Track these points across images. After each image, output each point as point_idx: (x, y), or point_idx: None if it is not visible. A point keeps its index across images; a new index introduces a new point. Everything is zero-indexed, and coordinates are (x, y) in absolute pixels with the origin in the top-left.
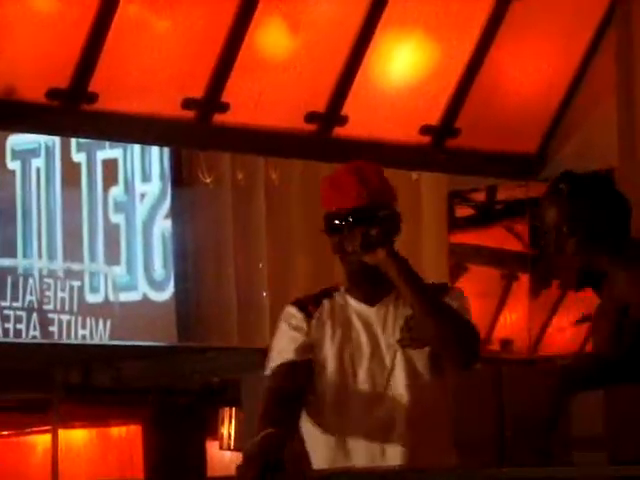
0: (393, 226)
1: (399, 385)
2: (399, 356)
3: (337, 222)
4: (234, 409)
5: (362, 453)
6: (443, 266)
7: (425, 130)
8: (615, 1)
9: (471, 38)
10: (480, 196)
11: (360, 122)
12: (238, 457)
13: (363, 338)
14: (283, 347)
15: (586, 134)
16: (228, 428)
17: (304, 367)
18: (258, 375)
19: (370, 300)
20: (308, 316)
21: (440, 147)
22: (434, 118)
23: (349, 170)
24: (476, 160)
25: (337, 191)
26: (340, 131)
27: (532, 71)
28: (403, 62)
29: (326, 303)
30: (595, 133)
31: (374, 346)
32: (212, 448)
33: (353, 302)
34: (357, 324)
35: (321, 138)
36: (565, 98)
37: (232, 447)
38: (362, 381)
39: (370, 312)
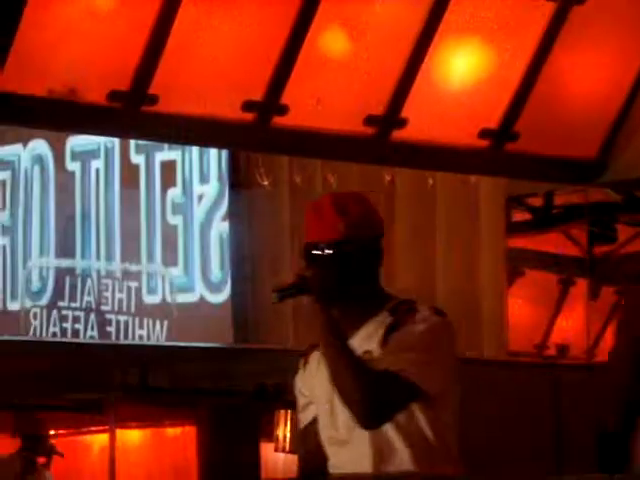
0: (345, 266)
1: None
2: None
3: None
4: (289, 411)
5: None
6: (501, 270)
7: (484, 134)
8: None
9: (531, 42)
10: (537, 201)
11: (419, 125)
12: (293, 459)
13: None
14: (297, 410)
15: None
16: (283, 430)
17: (312, 430)
18: None
19: (349, 331)
20: (304, 365)
21: (500, 151)
22: (493, 122)
23: (330, 201)
24: (535, 164)
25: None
26: (398, 134)
27: (592, 75)
28: (462, 65)
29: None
30: None
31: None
32: (267, 450)
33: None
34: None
35: (380, 141)
36: (626, 103)
37: (287, 449)
38: (338, 420)
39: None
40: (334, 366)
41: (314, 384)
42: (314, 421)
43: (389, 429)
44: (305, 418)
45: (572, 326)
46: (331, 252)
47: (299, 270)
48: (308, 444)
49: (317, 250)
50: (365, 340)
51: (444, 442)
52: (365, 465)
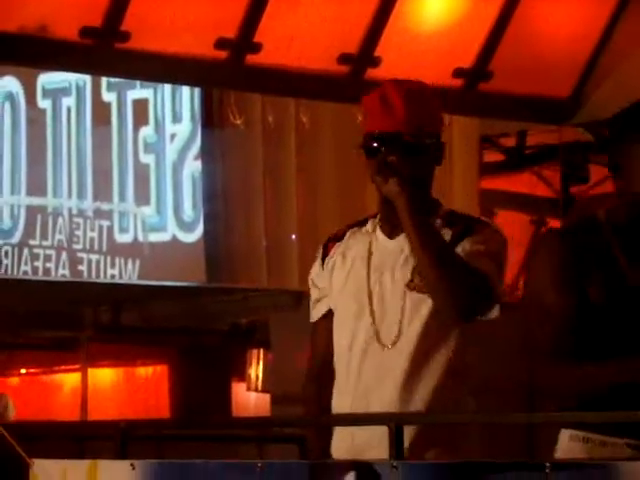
0: (424, 158)
1: (406, 329)
2: (406, 298)
3: (375, 145)
4: (262, 350)
5: (360, 393)
6: (474, 211)
7: (458, 73)
8: None
9: None
10: (510, 141)
11: (393, 64)
12: (265, 399)
13: (373, 275)
14: (310, 304)
15: (620, 79)
16: (256, 370)
17: (324, 324)
18: (286, 316)
19: (391, 232)
20: (323, 260)
21: (473, 90)
22: (467, 61)
23: (398, 91)
24: (508, 104)
25: (385, 111)
26: (372, 73)
27: (566, 15)
28: (437, 4)
29: (350, 235)
30: (629, 77)
31: (384, 286)
32: (239, 389)
33: (378, 232)
34: (375, 259)
35: (353, 80)
36: (599, 42)
37: (259, 389)
38: (364, 322)
39: (388, 245)
40: (425, 248)
41: (335, 280)
42: (325, 316)
43: (432, 337)
44: (316, 313)
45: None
46: (408, 140)
47: (371, 146)
48: (317, 340)
49: (392, 139)
50: None
51: (470, 372)
52: (398, 370)
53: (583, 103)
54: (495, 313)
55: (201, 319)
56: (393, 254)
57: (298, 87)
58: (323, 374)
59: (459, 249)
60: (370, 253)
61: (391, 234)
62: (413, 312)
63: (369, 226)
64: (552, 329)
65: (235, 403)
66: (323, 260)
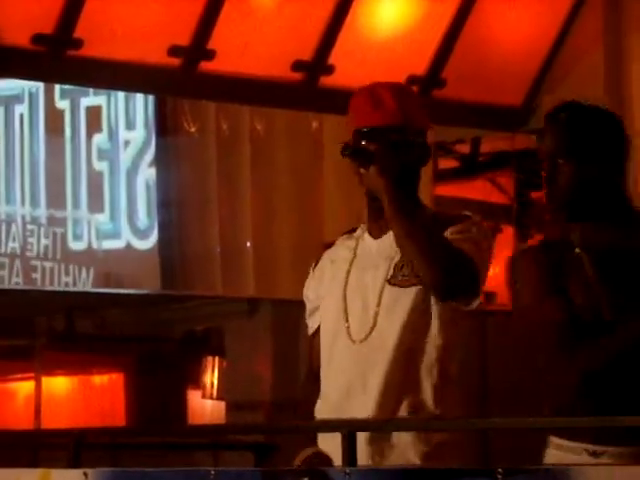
0: (410, 155)
1: (383, 325)
2: (388, 294)
3: (363, 141)
4: (217, 358)
5: (344, 389)
6: None
7: (411, 80)
8: None
9: None
10: (464, 148)
11: (347, 72)
12: (220, 406)
13: (357, 272)
14: (306, 317)
15: (572, 86)
16: (211, 377)
17: (317, 339)
18: (241, 324)
19: (376, 232)
20: (314, 268)
21: (427, 97)
22: (421, 68)
23: (387, 87)
24: (462, 111)
25: (374, 106)
26: (326, 80)
27: (519, 23)
28: (390, 12)
29: (340, 242)
30: (581, 85)
31: (364, 282)
32: (194, 397)
33: (366, 235)
34: (357, 260)
35: (307, 87)
36: (552, 50)
37: (214, 396)
38: (351, 320)
39: (373, 245)
40: (418, 240)
41: (322, 284)
42: (318, 330)
43: (411, 331)
44: (311, 326)
45: (499, 273)
46: (397, 136)
47: (359, 144)
48: (312, 354)
49: (381, 133)
50: None
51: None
52: (377, 360)
53: (536, 110)
54: (476, 303)
55: (156, 327)
56: (377, 253)
57: (252, 94)
58: (319, 379)
59: (450, 233)
60: (355, 255)
61: (377, 234)
62: (391, 307)
63: (359, 231)
64: (556, 331)
65: (191, 411)
66: (315, 270)
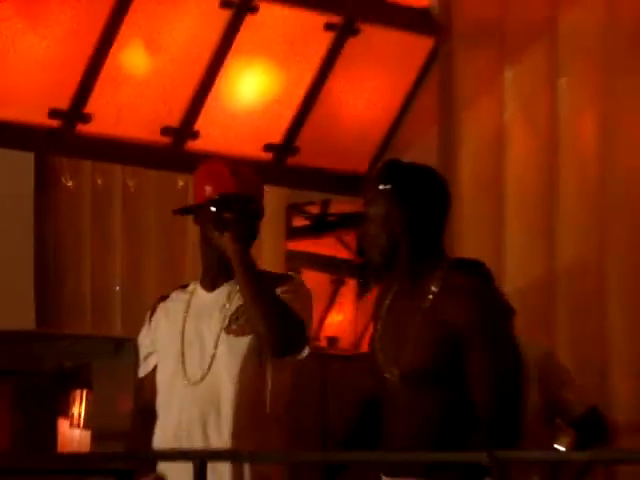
0: (250, 224)
1: (220, 368)
2: (221, 341)
3: (220, 206)
4: (85, 391)
5: (183, 424)
6: (281, 269)
7: (268, 147)
8: (438, 42)
9: (312, 67)
10: (315, 209)
11: (211, 137)
12: (86, 435)
13: (192, 322)
14: (140, 362)
15: (410, 159)
16: (79, 408)
17: (152, 376)
18: (108, 361)
19: (210, 286)
20: (150, 318)
21: (282, 164)
22: (277, 137)
23: (223, 162)
24: (313, 176)
25: (207, 174)
26: (192, 144)
27: (365, 99)
28: (251, 84)
29: (174, 296)
30: (418, 159)
31: (199, 330)
32: (63, 426)
33: (198, 288)
34: (192, 311)
35: (175, 150)
36: (394, 124)
37: (82, 425)
38: (188, 364)
39: (207, 298)
40: (259, 297)
41: (159, 334)
42: (153, 370)
43: (248, 375)
44: (145, 368)
45: (342, 321)
46: (251, 205)
47: (217, 209)
48: (145, 390)
49: (239, 201)
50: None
51: (277, 405)
52: (215, 400)
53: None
54: (305, 353)
55: (30, 361)
56: (210, 305)
57: (125, 155)
58: (149, 413)
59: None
60: (188, 306)
61: (210, 288)
62: (227, 353)
63: (191, 287)
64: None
65: (61, 438)
66: (151, 320)
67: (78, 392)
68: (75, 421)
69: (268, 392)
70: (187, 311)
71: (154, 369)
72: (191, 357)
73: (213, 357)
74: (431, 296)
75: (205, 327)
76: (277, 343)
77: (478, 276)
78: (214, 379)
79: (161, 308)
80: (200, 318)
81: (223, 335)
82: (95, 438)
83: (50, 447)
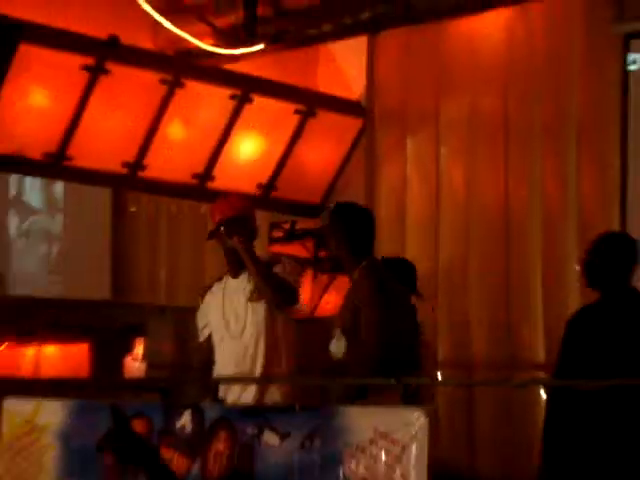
0: (247, 230)
1: (250, 324)
2: (249, 307)
3: (220, 228)
4: (143, 338)
5: (232, 364)
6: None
7: (259, 186)
8: (365, 122)
9: (286, 138)
10: (287, 225)
11: (222, 180)
12: (143, 366)
13: (227, 300)
14: (199, 330)
15: (347, 196)
16: (138, 349)
17: (206, 342)
18: (156, 320)
19: (235, 274)
20: (202, 301)
21: (267, 196)
22: (264, 179)
23: (224, 198)
24: (286, 205)
25: (215, 208)
26: (211, 184)
27: (320, 158)
28: (248, 147)
29: (215, 285)
30: (352, 196)
31: (233, 304)
32: (129, 361)
33: (228, 278)
34: (227, 292)
35: (200, 188)
36: (336, 174)
37: (140, 360)
38: (230, 326)
39: (234, 282)
40: (260, 274)
41: (210, 310)
42: (207, 338)
43: (269, 327)
44: (202, 336)
45: (304, 295)
46: (244, 220)
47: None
48: (202, 352)
49: (236, 220)
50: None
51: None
52: (251, 344)
53: (326, 206)
54: (298, 306)
55: (106, 320)
56: (237, 286)
57: (169, 191)
58: (205, 364)
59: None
60: (224, 289)
61: (235, 275)
62: (252, 314)
63: (223, 278)
64: None
65: (127, 368)
66: (202, 302)
67: (138, 339)
68: (136, 357)
69: (280, 336)
70: (224, 292)
71: (209, 336)
72: (231, 320)
73: (245, 318)
74: (351, 282)
75: (236, 300)
76: (278, 301)
77: (364, 270)
78: (247, 332)
79: (208, 294)
80: (232, 294)
81: (248, 304)
82: (148, 368)
83: (119, 374)
